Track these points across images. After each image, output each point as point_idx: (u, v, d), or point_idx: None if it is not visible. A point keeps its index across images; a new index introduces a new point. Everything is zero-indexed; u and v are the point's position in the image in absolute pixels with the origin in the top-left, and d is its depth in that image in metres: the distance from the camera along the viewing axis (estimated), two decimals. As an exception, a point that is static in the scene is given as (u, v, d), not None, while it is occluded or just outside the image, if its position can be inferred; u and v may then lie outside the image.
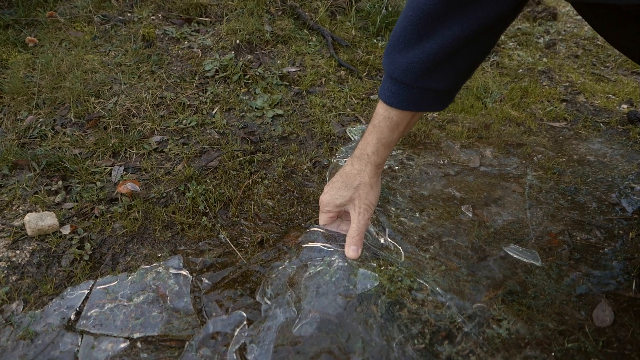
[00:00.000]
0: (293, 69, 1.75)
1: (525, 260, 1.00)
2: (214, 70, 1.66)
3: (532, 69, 1.87)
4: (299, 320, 0.86)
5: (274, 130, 1.49)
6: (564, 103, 1.65)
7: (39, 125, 1.38)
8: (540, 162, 1.34)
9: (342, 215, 1.03)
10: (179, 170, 1.30)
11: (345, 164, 0.98)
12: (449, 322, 0.86)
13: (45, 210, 1.11)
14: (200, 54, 1.72)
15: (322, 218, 1.01)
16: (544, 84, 1.78)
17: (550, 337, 0.84)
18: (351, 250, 0.94)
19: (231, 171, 1.30)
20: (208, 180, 1.26)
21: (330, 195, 0.97)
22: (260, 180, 1.28)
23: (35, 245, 1.04)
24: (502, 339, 0.84)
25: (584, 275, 0.96)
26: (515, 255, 1.01)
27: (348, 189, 0.95)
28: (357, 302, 0.89)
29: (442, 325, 0.86)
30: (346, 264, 0.96)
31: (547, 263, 1.00)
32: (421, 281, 0.93)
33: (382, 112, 0.88)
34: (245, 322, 0.88)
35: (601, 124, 1.52)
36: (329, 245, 1.00)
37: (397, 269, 0.95)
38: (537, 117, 1.56)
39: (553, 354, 0.81)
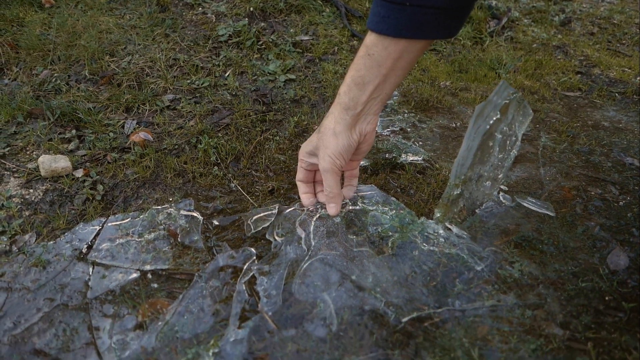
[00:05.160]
0: (306, 38, 1.75)
1: (539, 210, 0.99)
2: (228, 35, 1.67)
3: (547, 44, 1.86)
4: (309, 257, 0.86)
5: (286, 93, 1.49)
6: (579, 75, 1.64)
7: (53, 80, 1.39)
8: (554, 126, 1.32)
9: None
10: (191, 125, 1.30)
11: None
12: (460, 264, 0.86)
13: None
14: (214, 20, 1.72)
15: (298, 169, 0.91)
16: (559, 57, 1.76)
17: (564, 278, 0.83)
18: (329, 208, 0.86)
19: (243, 128, 1.30)
20: (220, 135, 1.26)
21: (306, 142, 0.85)
22: (271, 137, 1.28)
23: (49, 185, 1.05)
24: (515, 278, 0.83)
25: (598, 225, 0.95)
26: (529, 206, 1.00)
27: (316, 134, 0.82)
28: (368, 242, 0.89)
29: (453, 265, 0.85)
30: (357, 207, 0.96)
31: (561, 214, 0.99)
32: (433, 224, 0.92)
33: (364, 47, 0.74)
34: (254, 258, 0.88)
35: (616, 94, 1.51)
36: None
37: (408, 213, 0.94)
38: (551, 87, 1.55)
39: (567, 292, 0.80)
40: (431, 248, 0.87)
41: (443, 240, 0.90)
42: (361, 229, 0.91)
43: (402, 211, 0.96)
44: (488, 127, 0.88)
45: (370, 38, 0.73)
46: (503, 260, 0.87)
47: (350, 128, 0.78)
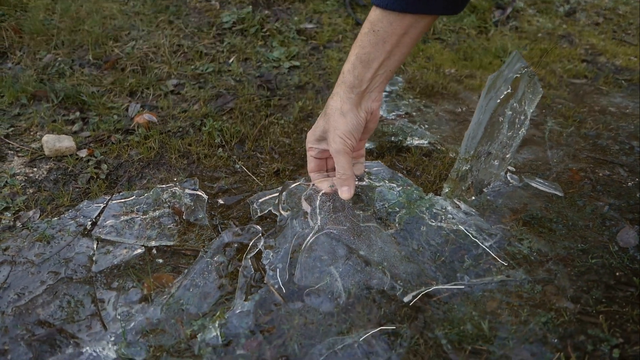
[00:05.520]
0: (310, 26, 1.74)
1: (547, 190, 0.98)
2: (232, 22, 1.66)
3: (552, 33, 1.85)
4: (315, 231, 0.84)
5: (290, 79, 1.48)
6: (585, 63, 1.63)
7: (57, 64, 1.38)
8: (561, 111, 1.32)
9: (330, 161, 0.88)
10: (195, 109, 1.29)
11: None
12: (468, 240, 0.85)
13: (63, 136, 1.11)
14: (218, 7, 1.72)
15: (308, 160, 0.87)
16: (564, 46, 1.75)
17: (574, 254, 0.82)
18: (342, 192, 0.82)
19: (247, 112, 1.29)
20: (224, 118, 1.26)
21: (312, 129, 0.83)
22: (276, 121, 1.27)
23: (52, 164, 1.04)
24: (524, 255, 0.82)
25: (607, 205, 0.94)
26: (537, 186, 0.99)
27: (323, 117, 0.80)
28: (375, 218, 0.87)
29: (461, 241, 0.84)
30: (364, 182, 0.94)
31: (569, 194, 0.98)
32: (441, 200, 0.91)
33: (368, 23, 0.73)
34: (260, 235, 0.87)
35: (623, 81, 1.50)
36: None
37: (416, 189, 0.93)
38: (557, 74, 1.54)
39: (576, 268, 0.79)
40: (439, 224, 0.86)
41: (451, 216, 0.89)
42: (368, 204, 0.90)
43: (409, 187, 0.94)
44: (499, 101, 0.87)
45: (375, 13, 0.72)
46: (512, 237, 0.86)
47: (356, 106, 0.77)
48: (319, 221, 0.83)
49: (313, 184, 0.89)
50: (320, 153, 0.86)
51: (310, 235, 0.82)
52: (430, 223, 0.86)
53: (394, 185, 0.94)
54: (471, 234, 0.85)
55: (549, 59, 1.63)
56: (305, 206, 0.88)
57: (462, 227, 0.86)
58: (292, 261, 0.80)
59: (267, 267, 0.79)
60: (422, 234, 0.85)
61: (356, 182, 0.92)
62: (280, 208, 0.90)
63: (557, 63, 1.61)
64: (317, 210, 0.85)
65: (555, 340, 0.67)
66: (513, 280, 0.77)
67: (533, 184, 1.00)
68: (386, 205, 0.90)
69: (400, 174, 0.98)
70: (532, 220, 0.90)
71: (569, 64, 1.60)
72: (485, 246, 0.83)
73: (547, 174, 1.05)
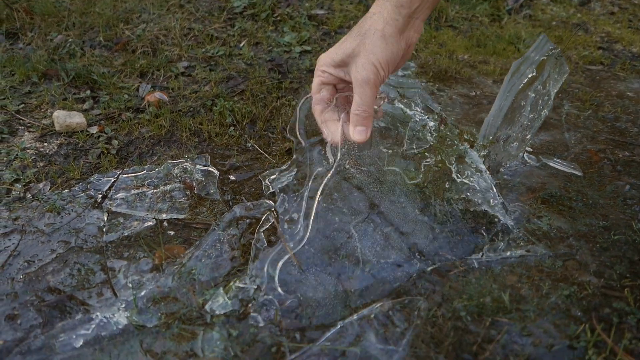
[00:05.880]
0: (321, 12, 1.72)
1: (565, 170, 0.96)
2: (243, 7, 1.65)
3: (566, 22, 1.82)
4: (335, 170, 0.71)
5: (301, 63, 1.46)
6: (600, 50, 1.60)
7: (68, 44, 1.38)
8: (577, 95, 1.29)
9: (343, 92, 0.70)
10: (206, 90, 1.28)
11: None
12: (487, 218, 0.82)
13: (73, 113, 1.10)
14: (229, -8, 1.71)
15: (313, 83, 0.68)
16: (579, 34, 1.72)
17: (595, 231, 0.80)
18: (356, 132, 0.65)
19: (258, 94, 1.28)
20: (235, 99, 1.24)
21: (330, 50, 0.66)
22: (287, 102, 1.26)
23: (63, 139, 1.03)
24: (544, 231, 0.80)
25: (628, 184, 0.92)
26: (555, 166, 0.97)
27: (354, 37, 0.63)
28: (401, 160, 0.79)
29: (481, 216, 0.81)
30: (396, 105, 0.82)
31: (589, 174, 0.95)
32: (474, 155, 0.83)
33: None
34: (273, 209, 0.85)
35: (640, 68, 1.47)
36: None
37: (450, 131, 0.83)
38: (572, 61, 1.51)
39: (599, 244, 0.77)
40: (464, 180, 0.79)
41: (477, 177, 0.82)
42: (396, 143, 0.78)
43: (443, 126, 0.83)
44: (522, 85, 0.85)
45: None
46: (531, 214, 0.84)
47: (400, 32, 0.63)
48: (339, 156, 0.68)
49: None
50: (333, 80, 0.67)
51: (328, 176, 0.70)
52: (455, 178, 0.80)
53: (427, 118, 0.82)
54: (490, 209, 0.83)
55: (564, 46, 1.60)
56: (326, 135, 0.69)
57: (480, 207, 0.83)
58: (308, 208, 0.71)
59: (281, 216, 0.75)
60: (446, 194, 0.80)
61: (387, 103, 0.77)
62: (298, 131, 0.77)
63: (573, 50, 1.58)
64: (339, 144, 0.68)
65: (579, 313, 0.65)
66: (533, 254, 0.75)
67: (551, 164, 0.97)
68: (415, 147, 0.79)
69: (435, 103, 0.85)
70: (551, 199, 0.88)
71: (584, 50, 1.58)
72: (505, 221, 0.81)
73: (565, 155, 1.02)
